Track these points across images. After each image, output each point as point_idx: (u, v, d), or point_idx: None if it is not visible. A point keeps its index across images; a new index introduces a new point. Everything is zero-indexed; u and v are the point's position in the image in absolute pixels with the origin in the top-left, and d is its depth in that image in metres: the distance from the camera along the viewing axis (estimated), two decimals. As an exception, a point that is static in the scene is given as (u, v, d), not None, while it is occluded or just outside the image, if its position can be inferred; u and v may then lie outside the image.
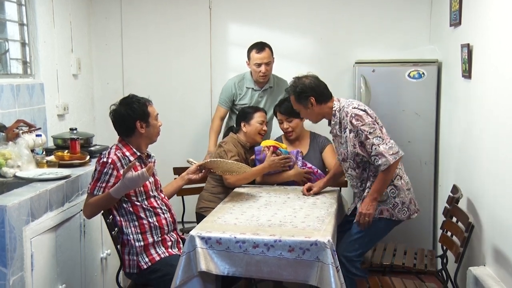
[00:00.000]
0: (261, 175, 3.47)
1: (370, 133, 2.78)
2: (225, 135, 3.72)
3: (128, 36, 4.57)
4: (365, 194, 2.92)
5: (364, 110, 2.84)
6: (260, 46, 3.80)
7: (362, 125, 2.79)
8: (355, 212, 2.98)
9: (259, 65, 3.77)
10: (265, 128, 3.57)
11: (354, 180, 2.99)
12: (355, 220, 2.90)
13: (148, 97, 2.83)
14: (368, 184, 2.92)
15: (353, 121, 2.80)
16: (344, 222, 3.13)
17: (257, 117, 3.54)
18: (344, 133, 2.87)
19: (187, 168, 3.55)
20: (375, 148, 2.76)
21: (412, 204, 2.93)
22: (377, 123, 2.84)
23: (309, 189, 3.25)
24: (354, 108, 2.84)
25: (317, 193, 3.24)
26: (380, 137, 2.78)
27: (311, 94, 2.91)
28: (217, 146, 3.56)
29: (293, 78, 3.02)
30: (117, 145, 2.75)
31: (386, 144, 2.77)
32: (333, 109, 2.93)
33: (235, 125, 3.67)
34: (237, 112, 3.83)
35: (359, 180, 2.95)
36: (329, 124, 3.02)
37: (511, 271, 2.46)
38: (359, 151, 2.83)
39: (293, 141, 3.65)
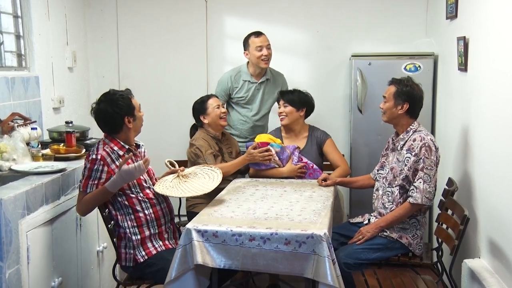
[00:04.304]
0: (240, 167, 3.46)
1: (426, 168, 2.83)
2: (191, 135, 3.69)
3: (124, 29, 4.54)
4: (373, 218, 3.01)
5: (436, 148, 2.89)
6: (257, 32, 3.81)
7: (427, 157, 2.84)
8: (361, 224, 3.09)
9: (261, 48, 3.75)
10: (223, 110, 3.54)
11: (390, 197, 2.99)
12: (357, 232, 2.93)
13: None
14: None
15: (423, 149, 2.85)
16: (347, 228, 3.15)
17: (211, 104, 3.50)
18: (407, 153, 2.91)
19: (182, 161, 3.56)
20: (420, 182, 2.83)
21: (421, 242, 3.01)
22: (436, 166, 2.88)
23: (324, 180, 3.30)
24: (431, 140, 2.89)
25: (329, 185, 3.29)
26: (430, 177, 2.84)
27: (409, 101, 2.94)
28: (189, 145, 3.51)
29: (409, 76, 3.06)
30: (104, 140, 2.73)
31: (429, 186, 2.83)
32: (410, 127, 2.97)
33: (196, 122, 3.63)
34: (233, 104, 3.86)
35: (397, 202, 2.95)
36: (396, 135, 3.06)
37: (506, 263, 2.48)
38: (410, 176, 2.88)
39: (291, 134, 3.65)
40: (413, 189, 2.85)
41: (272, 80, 3.91)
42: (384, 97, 3.03)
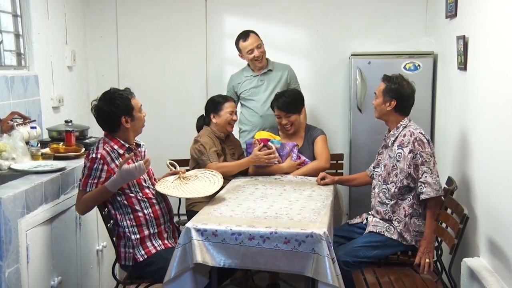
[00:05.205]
0: (244, 168, 3.46)
1: (425, 161, 2.83)
2: (197, 127, 3.67)
3: (124, 28, 4.54)
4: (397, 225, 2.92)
5: (428, 140, 2.90)
6: (244, 34, 3.83)
7: (422, 151, 2.84)
8: (359, 224, 3.09)
9: (251, 51, 3.79)
10: (234, 117, 3.52)
11: (387, 194, 2.97)
12: (415, 263, 2.83)
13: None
14: (402, 209, 2.90)
15: (416, 144, 2.85)
16: (346, 230, 3.15)
17: (227, 107, 3.47)
18: (398, 149, 2.91)
19: (182, 160, 3.56)
20: (425, 176, 2.82)
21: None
22: (433, 157, 2.88)
23: (322, 178, 3.30)
24: (421, 133, 2.90)
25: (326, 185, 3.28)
26: (430, 169, 2.84)
27: (396, 98, 2.95)
28: (193, 141, 3.50)
29: (400, 74, 3.06)
30: (104, 139, 2.72)
31: (432, 177, 2.83)
32: (400, 123, 2.98)
33: (205, 116, 3.61)
34: (242, 102, 3.90)
35: (396, 198, 2.93)
36: (388, 132, 3.06)
37: (505, 262, 2.48)
38: (412, 172, 2.86)
39: (290, 135, 3.64)
40: (421, 186, 2.84)
41: (274, 70, 3.93)
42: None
